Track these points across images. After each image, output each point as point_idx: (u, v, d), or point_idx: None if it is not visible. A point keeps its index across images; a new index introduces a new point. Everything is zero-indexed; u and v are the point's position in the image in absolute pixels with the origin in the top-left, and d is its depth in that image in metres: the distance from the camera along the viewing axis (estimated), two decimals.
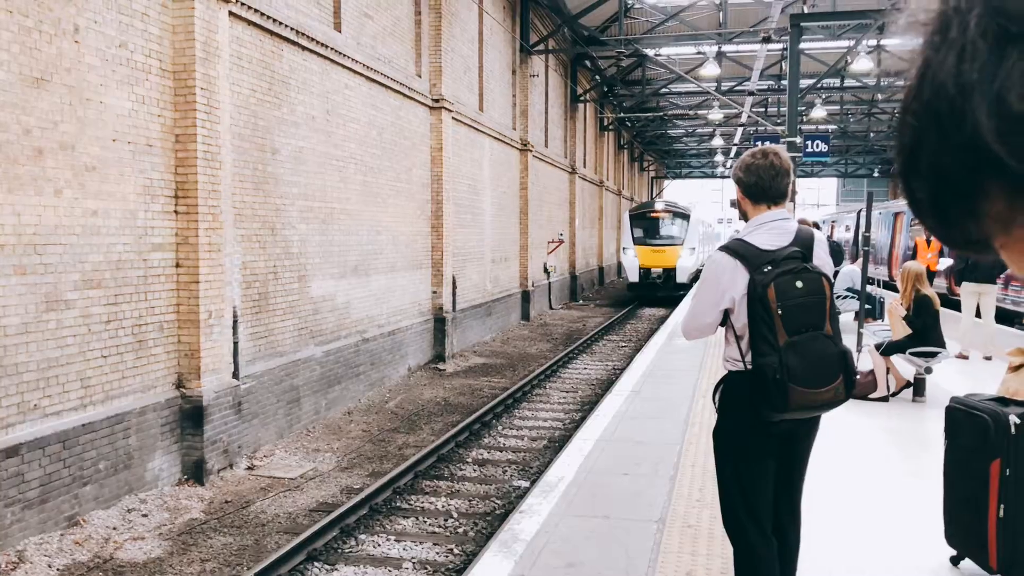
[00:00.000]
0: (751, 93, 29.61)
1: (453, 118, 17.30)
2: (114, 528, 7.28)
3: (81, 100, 7.23)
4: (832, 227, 39.34)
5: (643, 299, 30.61)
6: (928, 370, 8.79)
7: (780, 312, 3.15)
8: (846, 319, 14.97)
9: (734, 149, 47.91)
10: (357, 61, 12.68)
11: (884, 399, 8.92)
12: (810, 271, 3.25)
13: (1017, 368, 4.74)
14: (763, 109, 37.43)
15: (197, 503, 8.14)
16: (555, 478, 6.38)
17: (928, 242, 15.21)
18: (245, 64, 9.77)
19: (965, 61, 0.51)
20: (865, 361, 9.35)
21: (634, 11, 26.89)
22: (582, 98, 32.72)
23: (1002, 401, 4.25)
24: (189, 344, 8.58)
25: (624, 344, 20.52)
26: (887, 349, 8.83)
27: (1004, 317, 15.45)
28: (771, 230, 3.37)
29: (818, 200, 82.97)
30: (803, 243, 3.34)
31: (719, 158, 56.75)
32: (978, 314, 12.25)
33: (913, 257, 15.57)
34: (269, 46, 10.31)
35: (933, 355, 8.64)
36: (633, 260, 30.84)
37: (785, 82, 20.63)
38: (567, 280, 31.29)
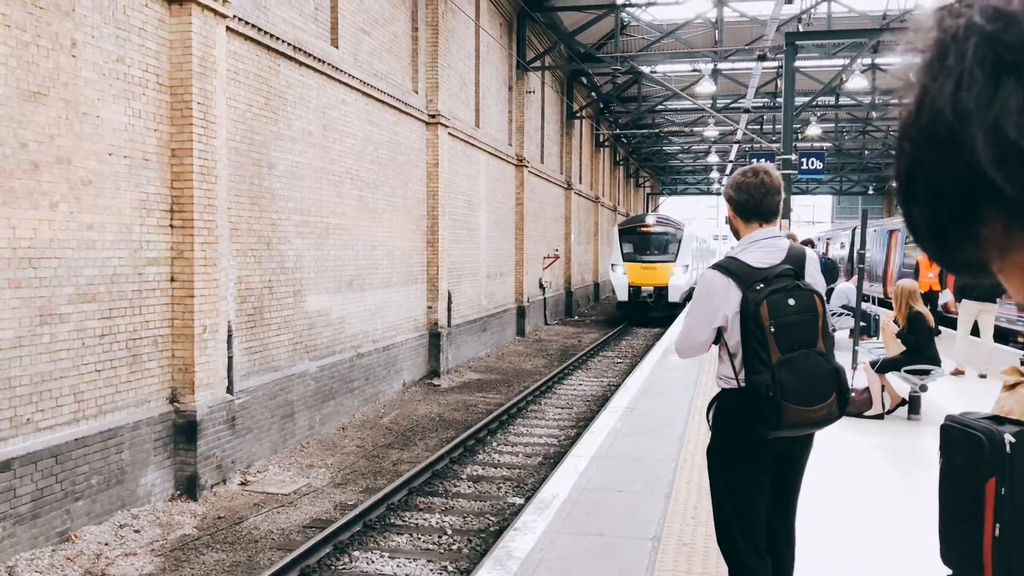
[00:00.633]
0: (746, 110, 29.75)
1: (449, 134, 17.34)
2: (106, 544, 7.23)
3: (78, 114, 7.23)
4: (827, 244, 39.44)
5: (633, 319, 28.71)
6: (923, 388, 8.79)
7: (773, 330, 3.15)
8: (841, 336, 15.00)
9: (729, 166, 48.08)
10: (354, 77, 12.72)
11: (879, 417, 8.92)
12: (802, 288, 3.26)
13: (1012, 387, 4.74)
14: (758, 126, 37.60)
15: (190, 519, 8.09)
16: (550, 495, 6.36)
17: (931, 261, 15.28)
18: (242, 79, 9.79)
19: (963, 89, 0.51)
20: (860, 379, 9.36)
21: (630, 29, 27.06)
22: (578, 114, 32.84)
23: (997, 420, 4.24)
24: (183, 358, 8.55)
25: (619, 360, 20.51)
26: (882, 366, 8.84)
27: (1000, 335, 15.46)
28: (763, 248, 3.38)
29: (813, 217, 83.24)
30: (795, 261, 3.35)
31: (714, 175, 56.94)
32: (976, 332, 12.24)
33: (915, 275, 15.55)
34: (266, 61, 10.34)
35: (927, 372, 8.65)
36: (622, 278, 28.91)
37: (780, 100, 20.75)
38: (563, 296, 31.28)
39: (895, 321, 8.99)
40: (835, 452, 7.46)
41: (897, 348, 8.86)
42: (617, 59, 25.37)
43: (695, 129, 38.84)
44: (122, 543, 7.31)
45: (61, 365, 7.13)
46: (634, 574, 4.80)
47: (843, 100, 32.66)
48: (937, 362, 8.66)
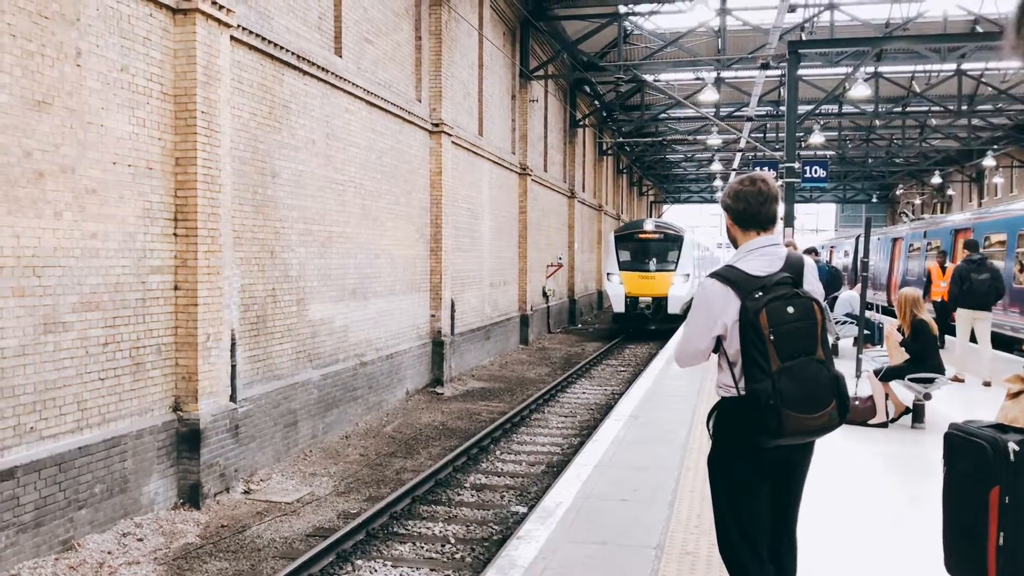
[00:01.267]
0: (749, 119, 29.76)
1: (453, 142, 17.38)
2: (109, 552, 7.22)
3: (82, 123, 7.26)
4: (831, 253, 39.41)
5: (630, 333, 26.87)
6: (927, 396, 8.76)
7: (772, 338, 3.15)
8: (845, 345, 14.97)
9: (732, 174, 48.08)
10: (357, 86, 12.76)
11: (883, 425, 8.89)
12: (801, 296, 3.25)
13: (1016, 395, 4.72)
14: (761, 134, 37.65)
15: (193, 527, 8.09)
16: (553, 504, 6.35)
17: (943, 269, 15.14)
18: (246, 88, 9.83)
19: None
20: (864, 387, 9.34)
21: (633, 37, 27.12)
22: (581, 123, 32.89)
23: (1001, 428, 4.23)
24: (187, 367, 8.56)
25: (623, 368, 20.48)
26: (886, 375, 8.82)
27: (1003, 343, 15.42)
28: (761, 256, 3.38)
29: (817, 226, 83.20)
30: (793, 268, 3.35)
31: (718, 183, 56.92)
32: (975, 340, 12.22)
33: (928, 284, 15.47)
34: (270, 70, 10.38)
35: (931, 380, 8.63)
36: (619, 288, 26.77)
37: (783, 108, 20.76)
38: (566, 304, 31.26)
39: (899, 329, 8.97)
40: (839, 461, 7.45)
41: (901, 356, 8.84)
42: (620, 67, 25.42)
43: (698, 137, 38.93)
44: (125, 552, 7.31)
45: (65, 373, 7.14)
46: None
47: (846, 108, 32.66)
48: (941, 370, 8.64)
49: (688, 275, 26.79)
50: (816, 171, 20.23)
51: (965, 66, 27.97)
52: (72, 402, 7.22)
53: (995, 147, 39.08)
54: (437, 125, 16.45)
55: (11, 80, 6.51)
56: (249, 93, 9.90)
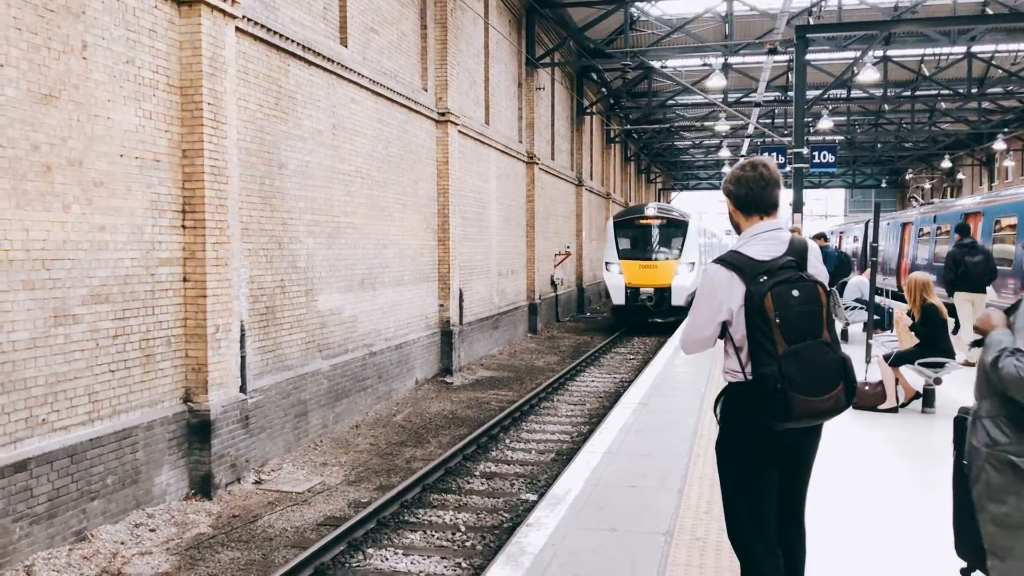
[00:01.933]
0: (758, 104, 29.61)
1: (459, 131, 17.36)
2: (122, 543, 7.28)
3: (89, 116, 7.28)
4: (840, 238, 39.27)
5: (631, 326, 24.90)
6: (937, 381, 8.74)
7: (778, 321, 3.14)
8: (855, 330, 14.92)
9: (741, 160, 47.89)
10: (363, 75, 12.75)
11: (893, 410, 8.87)
12: (806, 280, 3.25)
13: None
14: (770, 120, 37.50)
15: (205, 518, 8.14)
16: (562, 491, 6.36)
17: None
18: (252, 79, 9.83)
19: None
20: (874, 372, 9.31)
21: (640, 24, 27.01)
22: (588, 110, 32.79)
23: None
24: (196, 358, 8.59)
25: (632, 356, 20.48)
26: (895, 360, 8.79)
27: None
28: (765, 240, 3.37)
29: (826, 211, 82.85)
30: (797, 252, 3.34)
31: (726, 169, 56.71)
32: None
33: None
34: (276, 61, 10.37)
35: (942, 365, 8.60)
36: (618, 278, 24.58)
37: (791, 93, 20.64)
38: (575, 292, 31.25)
39: (909, 314, 8.94)
40: (849, 446, 7.44)
41: (911, 341, 8.81)
42: (627, 54, 25.31)
43: (706, 124, 38.75)
44: (138, 542, 7.36)
45: (75, 366, 7.17)
46: (647, 569, 4.80)
47: (855, 93, 32.49)
48: (951, 354, 8.60)
49: (693, 264, 24.68)
50: (825, 156, 20.16)
51: (975, 49, 27.76)
52: (83, 394, 7.26)
53: (1005, 130, 38.80)
54: (443, 114, 16.42)
55: (18, 74, 6.53)
56: (255, 84, 9.90)
